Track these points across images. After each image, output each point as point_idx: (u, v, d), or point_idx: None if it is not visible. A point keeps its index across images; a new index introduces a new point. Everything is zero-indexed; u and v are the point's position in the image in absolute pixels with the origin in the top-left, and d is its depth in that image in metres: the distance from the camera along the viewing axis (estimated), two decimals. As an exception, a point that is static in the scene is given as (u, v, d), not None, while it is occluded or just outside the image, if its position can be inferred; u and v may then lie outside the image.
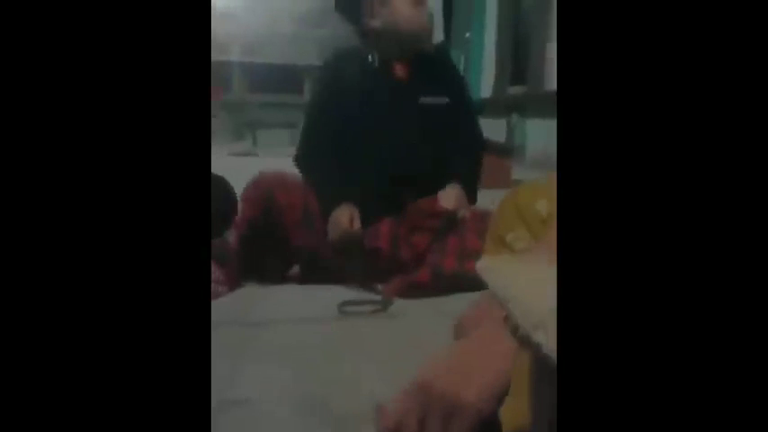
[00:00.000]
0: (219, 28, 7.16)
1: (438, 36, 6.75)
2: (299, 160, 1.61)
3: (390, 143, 1.55)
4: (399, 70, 1.59)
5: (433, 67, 1.63)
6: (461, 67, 6.32)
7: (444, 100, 1.59)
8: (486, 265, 0.45)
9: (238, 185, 1.60)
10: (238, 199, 1.58)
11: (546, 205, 0.74)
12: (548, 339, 0.35)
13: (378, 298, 1.30)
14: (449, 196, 1.49)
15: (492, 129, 4.87)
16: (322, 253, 1.48)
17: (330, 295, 1.36)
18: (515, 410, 0.51)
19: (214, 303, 1.18)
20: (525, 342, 0.36)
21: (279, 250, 1.49)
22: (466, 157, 1.63)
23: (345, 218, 1.45)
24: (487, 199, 1.51)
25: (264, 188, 1.48)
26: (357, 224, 1.46)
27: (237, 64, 7.84)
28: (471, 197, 1.57)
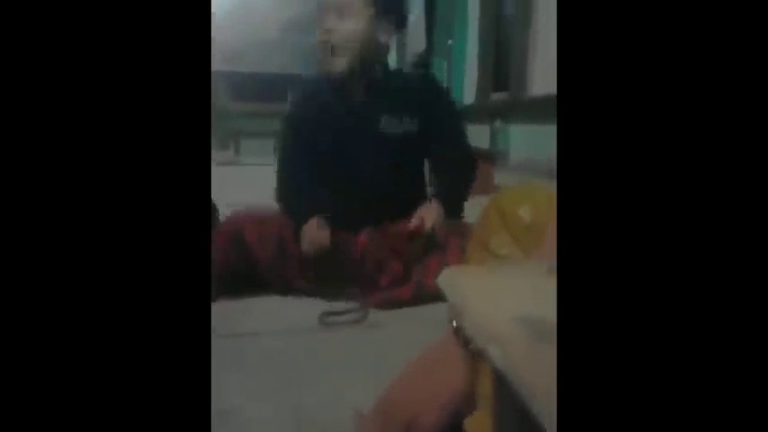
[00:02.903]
0: (201, 36, 7.06)
1: (420, 44, 6.77)
2: (281, 199, 1.63)
3: (362, 165, 1.57)
4: (356, 91, 1.59)
5: (395, 84, 1.62)
6: (444, 74, 6.34)
7: (411, 123, 1.58)
8: (446, 278, 0.45)
9: (222, 196, 1.60)
10: (218, 216, 1.59)
11: (529, 211, 0.74)
12: (502, 353, 0.33)
13: (357, 308, 1.32)
14: (423, 216, 1.49)
15: (475, 134, 4.88)
16: (296, 281, 1.51)
17: (310, 306, 1.37)
18: (481, 422, 0.51)
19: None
20: (479, 355, 0.35)
21: (252, 282, 1.51)
22: (448, 174, 1.63)
23: (315, 227, 1.49)
24: (470, 206, 1.52)
25: (233, 229, 1.49)
26: (326, 233, 1.49)
27: (220, 72, 7.79)
28: (453, 214, 1.57)
